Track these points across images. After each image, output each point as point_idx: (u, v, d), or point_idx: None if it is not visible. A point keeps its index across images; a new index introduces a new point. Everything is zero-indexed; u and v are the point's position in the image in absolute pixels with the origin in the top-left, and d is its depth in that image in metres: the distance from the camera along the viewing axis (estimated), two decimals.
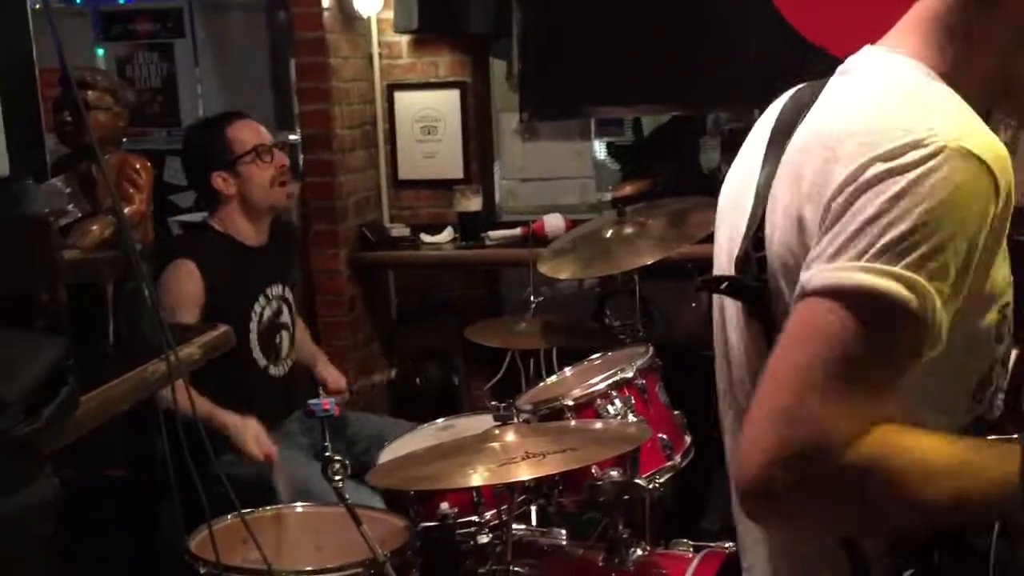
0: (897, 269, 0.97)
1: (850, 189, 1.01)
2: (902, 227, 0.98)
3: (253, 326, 2.91)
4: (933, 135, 1.00)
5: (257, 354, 2.93)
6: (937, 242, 0.98)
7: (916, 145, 0.99)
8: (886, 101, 1.09)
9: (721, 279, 1.20)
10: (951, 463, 1.02)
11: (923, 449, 1.02)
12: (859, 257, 0.98)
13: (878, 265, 0.98)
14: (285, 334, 3.03)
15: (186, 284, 2.79)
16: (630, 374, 2.38)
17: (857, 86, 1.14)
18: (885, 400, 1.00)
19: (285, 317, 3.04)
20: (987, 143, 1.01)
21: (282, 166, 2.97)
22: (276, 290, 3.00)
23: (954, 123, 1.02)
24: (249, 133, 2.95)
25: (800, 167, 1.09)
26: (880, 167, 1.00)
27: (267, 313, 2.95)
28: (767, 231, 1.13)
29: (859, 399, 0.98)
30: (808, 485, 0.98)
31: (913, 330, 0.98)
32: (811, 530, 1.12)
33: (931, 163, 0.98)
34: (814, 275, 1.01)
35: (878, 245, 0.98)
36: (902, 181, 0.99)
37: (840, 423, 0.97)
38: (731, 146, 4.43)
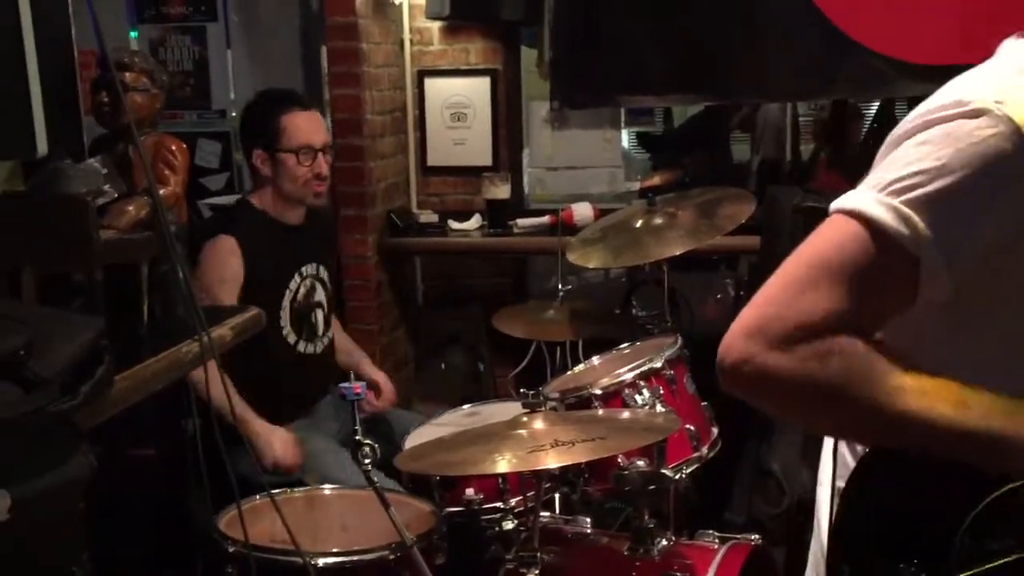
0: (895, 202, 1.03)
1: (893, 137, 1.10)
2: (915, 167, 1.04)
3: (286, 303, 2.93)
4: (975, 96, 1.04)
5: (287, 331, 2.95)
6: (944, 186, 1.02)
7: (957, 104, 1.05)
8: (967, 75, 1.13)
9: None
10: (927, 386, 1.04)
11: (899, 369, 1.04)
12: (872, 188, 1.06)
13: (882, 196, 1.04)
14: (320, 313, 3.06)
15: (229, 260, 2.81)
16: (659, 364, 2.37)
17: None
18: (866, 319, 1.05)
19: (320, 296, 3.06)
20: None
21: (319, 174, 2.94)
22: (310, 269, 3.02)
23: (1005, 90, 1.04)
24: (301, 130, 2.91)
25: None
26: (919, 120, 1.07)
27: (301, 291, 2.98)
28: None
29: (838, 302, 1.03)
30: (777, 358, 1.04)
31: (902, 260, 1.03)
32: (777, 406, 1.16)
33: (961, 119, 1.03)
34: (837, 200, 1.09)
35: (889, 179, 1.05)
36: (931, 130, 1.05)
37: (816, 314, 1.03)
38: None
